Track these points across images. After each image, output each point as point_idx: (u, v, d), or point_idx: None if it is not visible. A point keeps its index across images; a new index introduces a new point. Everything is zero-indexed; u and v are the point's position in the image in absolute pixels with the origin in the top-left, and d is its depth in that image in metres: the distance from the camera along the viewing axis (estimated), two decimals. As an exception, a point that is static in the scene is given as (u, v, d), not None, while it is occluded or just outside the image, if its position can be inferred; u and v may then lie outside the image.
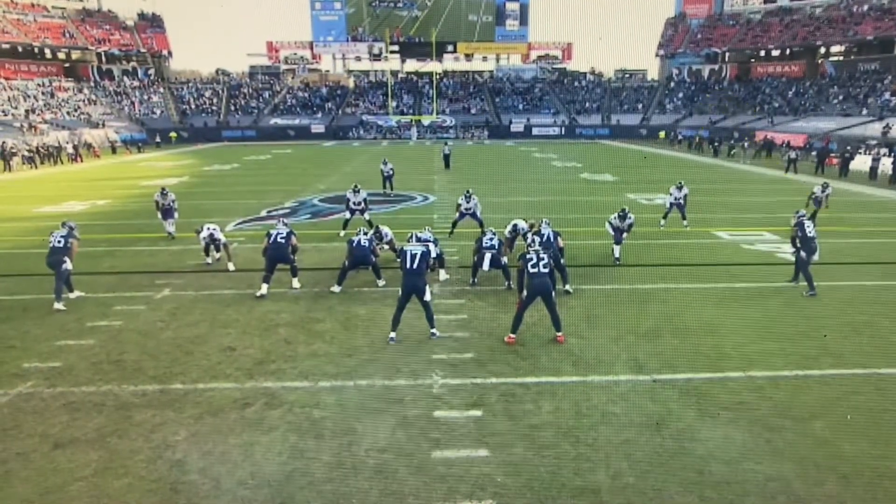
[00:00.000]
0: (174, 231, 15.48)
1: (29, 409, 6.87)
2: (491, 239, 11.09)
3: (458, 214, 15.09)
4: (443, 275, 11.82)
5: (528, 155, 42.49)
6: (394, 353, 8.25)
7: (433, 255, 10.11)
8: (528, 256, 8.58)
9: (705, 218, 17.65)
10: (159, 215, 15.52)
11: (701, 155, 41.62)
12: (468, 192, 15.10)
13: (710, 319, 9.59)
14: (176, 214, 15.57)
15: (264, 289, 10.79)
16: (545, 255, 8.63)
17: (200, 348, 8.42)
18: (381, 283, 11.37)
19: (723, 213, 18.37)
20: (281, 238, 11.00)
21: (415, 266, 8.64)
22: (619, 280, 11.84)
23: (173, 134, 55.82)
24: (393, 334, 8.63)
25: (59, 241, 10.63)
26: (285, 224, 11.56)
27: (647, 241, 14.63)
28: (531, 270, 8.42)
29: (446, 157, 32.31)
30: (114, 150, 46.85)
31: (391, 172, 23.61)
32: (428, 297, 8.72)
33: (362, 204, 15.82)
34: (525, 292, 8.55)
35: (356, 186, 15.90)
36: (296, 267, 11.39)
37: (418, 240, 9.90)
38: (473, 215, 15.01)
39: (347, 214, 15.84)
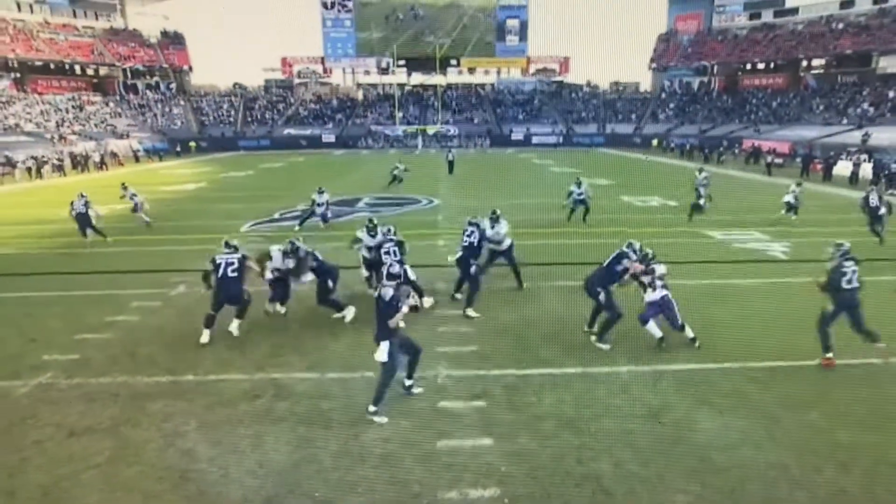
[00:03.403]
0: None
1: (47, 399, 6.68)
2: (470, 234, 9.53)
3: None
4: (427, 301, 9.50)
5: (527, 161, 42.21)
6: (400, 345, 7.96)
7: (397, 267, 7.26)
8: (842, 271, 7.47)
9: (697, 219, 17.34)
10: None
11: (692, 161, 41.29)
12: (495, 213, 10.77)
13: (707, 314, 9.27)
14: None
15: (206, 335, 8.22)
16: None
17: (213, 342, 8.18)
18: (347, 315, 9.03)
19: (715, 215, 18.05)
20: (232, 271, 8.12)
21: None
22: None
23: (193, 143, 55.72)
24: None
25: (82, 208, 14.63)
26: (233, 247, 8.41)
27: (643, 241, 14.31)
28: (845, 287, 7.34)
29: (450, 163, 32.27)
30: (137, 159, 46.77)
31: (402, 173, 26.08)
32: (381, 356, 6.14)
33: (324, 206, 16.86)
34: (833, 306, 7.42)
35: (320, 188, 17.13)
36: (244, 309, 8.47)
37: (392, 276, 6.82)
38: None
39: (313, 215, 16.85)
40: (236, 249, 8.38)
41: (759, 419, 6.12)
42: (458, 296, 9.82)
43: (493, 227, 10.32)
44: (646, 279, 7.87)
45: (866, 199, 14.15)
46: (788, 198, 17.00)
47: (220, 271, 8.13)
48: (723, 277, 11.43)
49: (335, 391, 6.81)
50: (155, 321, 9.17)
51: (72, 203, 14.78)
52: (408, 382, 6.69)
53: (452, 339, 8.22)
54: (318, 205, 16.87)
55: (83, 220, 14.74)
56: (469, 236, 9.56)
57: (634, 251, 7.97)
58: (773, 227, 16.08)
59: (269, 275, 8.90)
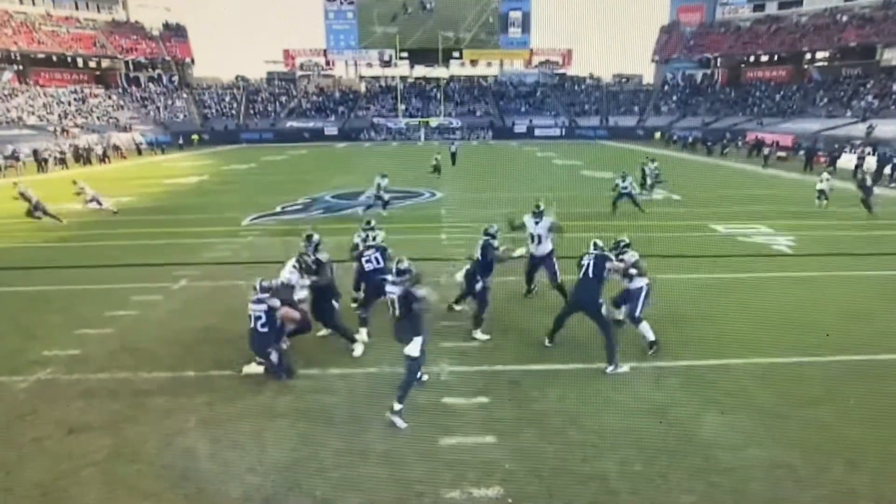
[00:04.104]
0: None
1: (46, 396, 6.60)
2: (479, 247, 8.38)
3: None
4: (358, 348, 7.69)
5: (530, 154, 41.99)
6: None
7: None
8: None
9: (702, 212, 17.25)
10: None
11: (694, 154, 41.07)
12: (538, 206, 9.37)
13: (710, 309, 9.18)
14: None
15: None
16: None
17: (214, 337, 8.10)
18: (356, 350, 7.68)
19: (718, 207, 17.96)
20: (262, 326, 6.79)
21: (397, 313, 6.15)
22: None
23: (195, 136, 55.43)
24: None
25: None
26: (267, 289, 6.90)
27: (647, 234, 14.24)
28: None
29: (453, 155, 32.48)
30: (139, 152, 46.61)
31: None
32: (415, 350, 5.93)
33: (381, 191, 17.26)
34: None
35: (383, 173, 17.72)
36: (273, 360, 6.84)
37: (402, 272, 6.16)
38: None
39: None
40: (271, 292, 6.92)
41: (764, 417, 6.02)
42: (457, 307, 8.84)
43: (536, 223, 9.14)
44: (630, 270, 7.53)
45: (863, 179, 17.66)
46: (822, 186, 18.38)
47: (251, 322, 6.87)
48: (727, 271, 11.32)
49: (337, 387, 6.74)
50: (156, 316, 9.07)
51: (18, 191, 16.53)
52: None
53: (455, 335, 8.11)
54: (382, 189, 17.40)
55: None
56: (476, 251, 8.43)
57: (604, 248, 7.45)
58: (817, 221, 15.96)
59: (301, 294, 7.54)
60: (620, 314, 7.83)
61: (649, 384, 6.76)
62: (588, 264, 7.24)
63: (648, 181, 20.57)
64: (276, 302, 6.84)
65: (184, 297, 10.02)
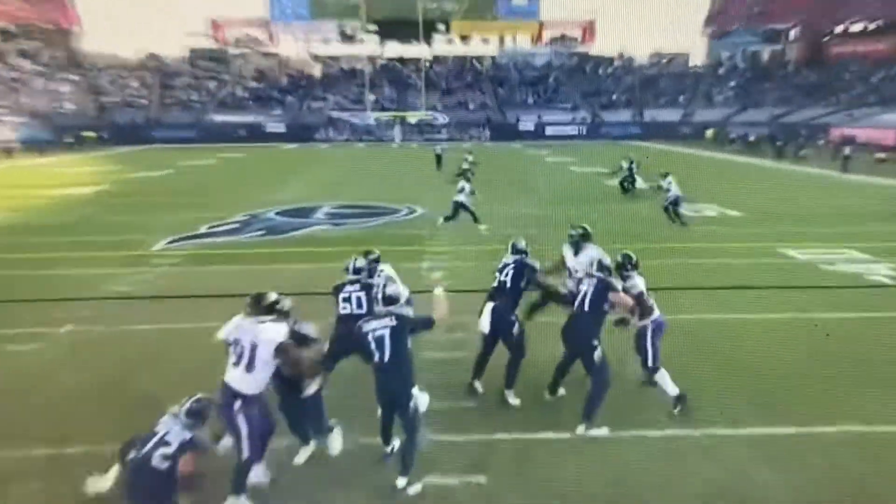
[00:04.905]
0: None
1: None
2: (503, 269, 8.12)
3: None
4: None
5: (538, 159, 42.37)
6: (374, 403, 6.85)
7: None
8: None
9: (771, 233, 17.45)
10: None
11: (759, 157, 41.56)
12: (584, 231, 9.18)
13: (786, 357, 9.26)
14: None
15: None
16: None
17: (112, 397, 8.01)
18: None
19: (794, 226, 18.16)
20: (164, 459, 5.21)
21: (386, 357, 6.20)
22: (659, 307, 11.49)
23: (89, 133, 55.41)
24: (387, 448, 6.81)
25: None
26: (188, 418, 5.49)
27: (700, 261, 14.36)
28: None
29: (438, 157, 33.29)
30: (8, 153, 46.47)
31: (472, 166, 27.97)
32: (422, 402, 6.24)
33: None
34: None
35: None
36: None
37: (386, 301, 6.42)
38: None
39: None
40: (199, 417, 5.66)
41: (856, 491, 6.09)
42: (479, 386, 8.27)
43: (575, 255, 8.89)
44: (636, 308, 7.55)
45: None
46: None
47: (151, 443, 5.39)
48: (806, 310, 11.43)
49: (289, 463, 6.66)
50: (31, 371, 8.99)
51: None
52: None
53: (444, 393, 8.06)
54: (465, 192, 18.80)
55: None
56: (501, 272, 8.11)
57: (607, 268, 7.56)
58: None
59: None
60: (674, 388, 7.60)
61: (700, 456, 6.75)
62: (586, 293, 7.34)
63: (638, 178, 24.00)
64: (192, 438, 5.52)
65: (71, 344, 9.96)
